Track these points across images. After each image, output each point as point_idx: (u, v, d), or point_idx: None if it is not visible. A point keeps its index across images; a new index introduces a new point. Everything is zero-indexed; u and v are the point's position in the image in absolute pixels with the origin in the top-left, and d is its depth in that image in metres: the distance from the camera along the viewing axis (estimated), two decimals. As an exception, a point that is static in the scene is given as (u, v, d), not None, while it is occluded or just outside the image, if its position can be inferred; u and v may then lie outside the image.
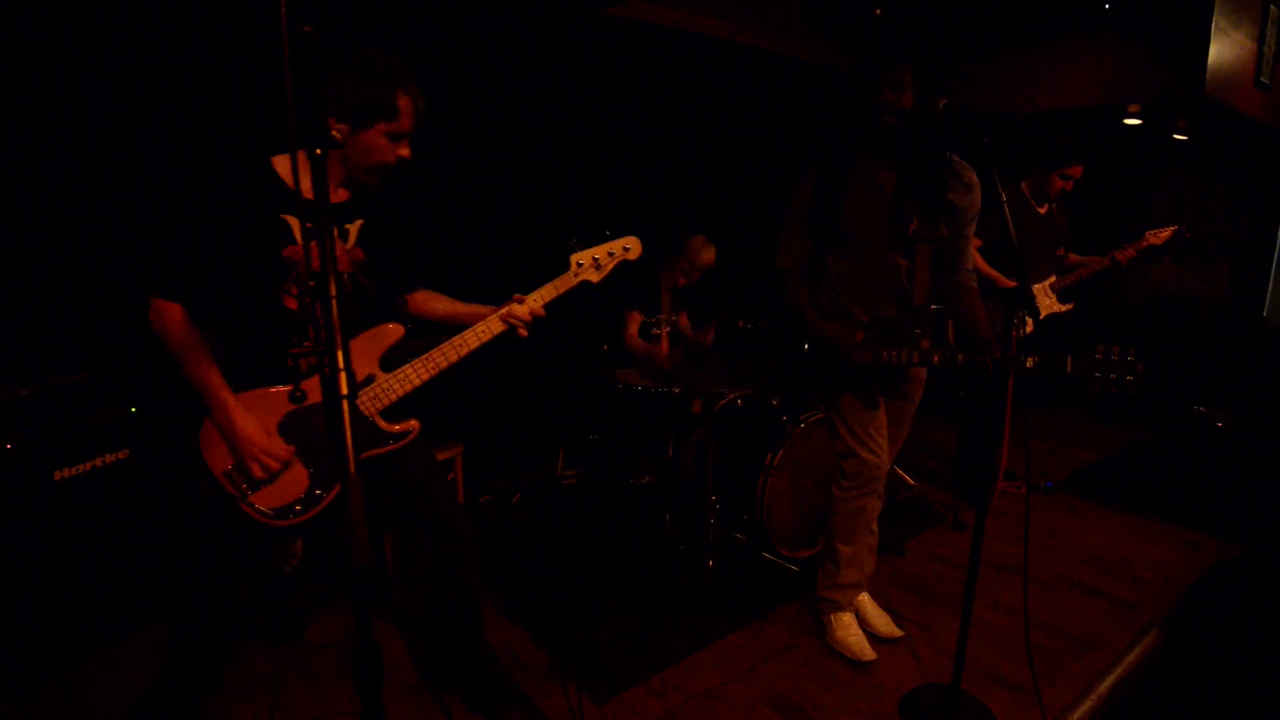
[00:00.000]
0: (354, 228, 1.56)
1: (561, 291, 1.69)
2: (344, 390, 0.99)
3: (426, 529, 1.72)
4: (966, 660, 1.82)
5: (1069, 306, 3.31)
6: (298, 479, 1.52)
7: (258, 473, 1.47)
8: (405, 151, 1.50)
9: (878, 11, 4.13)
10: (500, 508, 3.20)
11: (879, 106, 1.88)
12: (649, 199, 3.84)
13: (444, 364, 1.60)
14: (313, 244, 1.44)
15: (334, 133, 1.43)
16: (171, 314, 1.44)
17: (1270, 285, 4.57)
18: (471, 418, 2.79)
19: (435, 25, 2.94)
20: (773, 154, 4.27)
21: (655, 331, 3.41)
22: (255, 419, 1.47)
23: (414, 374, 1.59)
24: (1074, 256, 3.35)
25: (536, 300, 1.67)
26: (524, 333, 1.66)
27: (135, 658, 2.10)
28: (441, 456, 2.72)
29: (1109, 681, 2.12)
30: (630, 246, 1.74)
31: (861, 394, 2.08)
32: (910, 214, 2.00)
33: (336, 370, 0.97)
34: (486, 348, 1.65)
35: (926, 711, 1.95)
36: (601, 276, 1.71)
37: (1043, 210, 3.21)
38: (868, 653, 2.16)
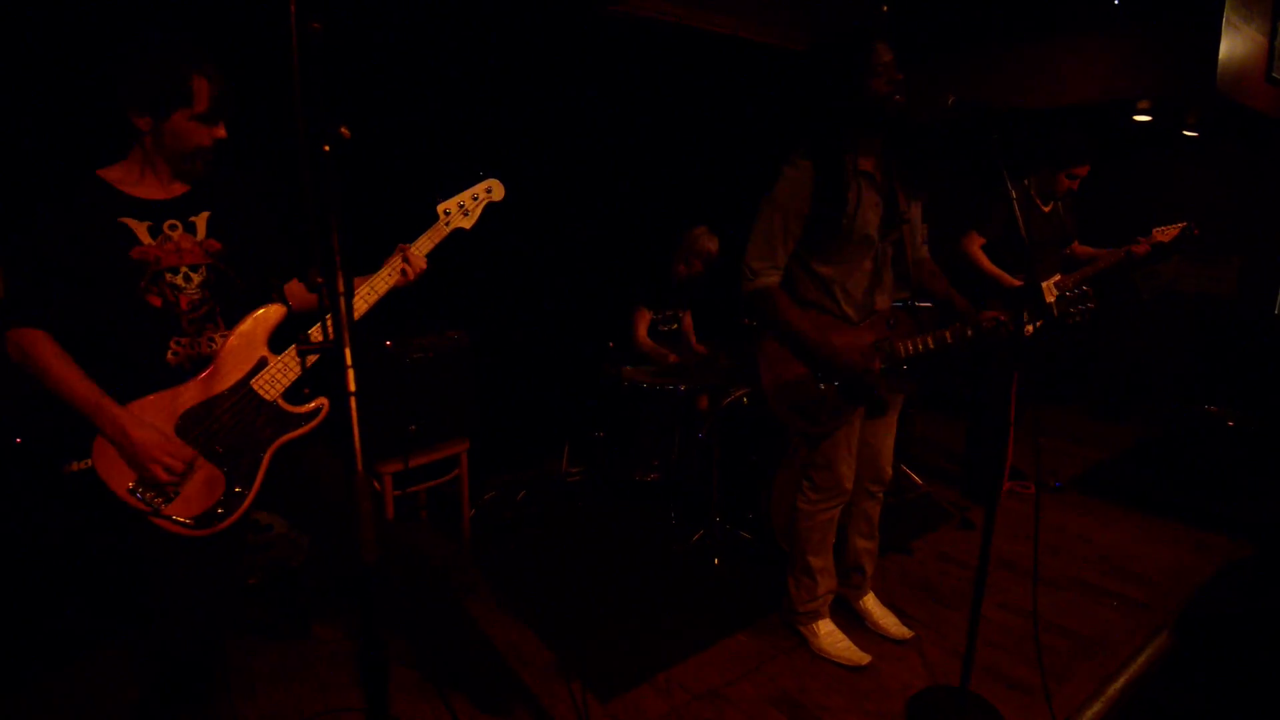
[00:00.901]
0: (201, 219, 1.53)
1: (436, 242, 1.71)
2: (351, 387, 0.98)
3: (336, 537, 1.62)
4: (975, 661, 1.81)
5: None
6: (212, 481, 1.45)
7: (163, 476, 1.39)
8: (220, 132, 1.46)
9: (885, 8, 4.10)
10: (505, 504, 3.20)
11: (869, 88, 1.77)
12: (653, 195, 3.82)
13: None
14: (165, 240, 1.46)
15: (139, 125, 1.41)
16: (32, 340, 1.38)
17: (1281, 283, 4.52)
18: (477, 414, 2.79)
19: (440, 22, 2.93)
20: (777, 149, 4.25)
21: (664, 328, 3.40)
22: (148, 423, 1.40)
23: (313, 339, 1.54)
24: (1080, 248, 3.28)
25: (415, 249, 1.67)
26: (412, 276, 1.64)
27: (145, 654, 2.10)
28: (447, 452, 2.72)
29: (1119, 683, 2.10)
30: (493, 188, 1.78)
31: (870, 402, 2.01)
32: (898, 199, 1.94)
33: (345, 367, 0.96)
34: (384, 307, 1.64)
35: (935, 713, 1.94)
36: (472, 222, 1.76)
37: (1047, 209, 3.15)
38: (863, 657, 2.13)
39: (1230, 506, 3.19)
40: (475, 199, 1.76)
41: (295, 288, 1.73)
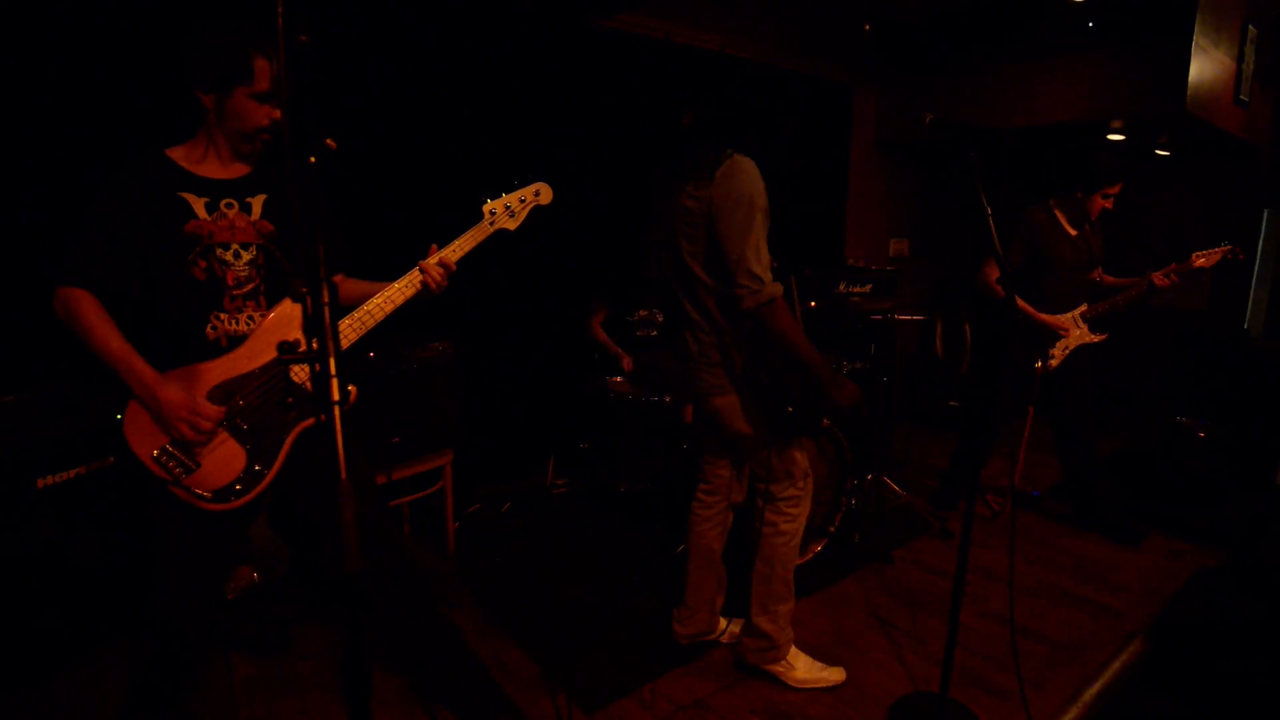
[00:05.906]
0: (257, 201, 1.57)
1: (479, 240, 1.69)
2: (335, 396, 0.99)
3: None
4: (954, 668, 1.84)
5: (1102, 337, 3.03)
6: (233, 456, 1.48)
7: (190, 434, 1.42)
8: (277, 113, 1.50)
9: (867, 27, 4.19)
10: (490, 516, 3.19)
11: None
12: (639, 206, 3.86)
13: (370, 322, 1.58)
14: (220, 217, 1.51)
15: (204, 102, 1.46)
16: (78, 300, 1.42)
17: (1250, 297, 4.65)
18: (462, 425, 2.79)
19: (427, 35, 2.96)
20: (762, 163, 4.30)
21: (640, 334, 3.40)
22: (176, 385, 1.43)
23: (340, 336, 1.57)
24: (1109, 278, 3.12)
25: (450, 251, 1.65)
26: (434, 286, 1.62)
27: (119, 668, 2.07)
28: (431, 465, 2.72)
29: (1095, 688, 2.14)
30: (541, 191, 1.76)
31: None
32: None
33: (329, 376, 0.97)
34: (416, 305, 1.63)
35: (916, 719, 1.96)
36: (517, 224, 1.73)
37: (1074, 233, 2.94)
38: (839, 673, 2.12)
39: (1202, 515, 3.26)
40: (523, 201, 1.73)
41: (336, 281, 1.75)
